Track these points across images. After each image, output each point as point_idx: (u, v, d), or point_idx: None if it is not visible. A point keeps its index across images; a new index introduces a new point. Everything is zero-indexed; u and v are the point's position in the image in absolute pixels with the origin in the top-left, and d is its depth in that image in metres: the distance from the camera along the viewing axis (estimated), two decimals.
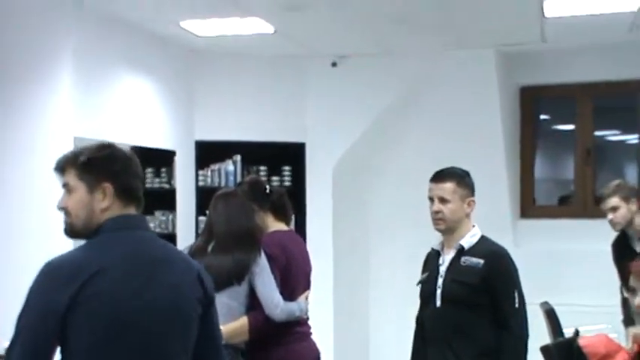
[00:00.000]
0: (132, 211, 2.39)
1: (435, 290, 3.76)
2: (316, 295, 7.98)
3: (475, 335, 3.69)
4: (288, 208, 4.57)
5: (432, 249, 3.89)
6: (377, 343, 8.39)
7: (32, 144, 5.64)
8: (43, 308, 2.17)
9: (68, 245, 2.65)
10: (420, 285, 3.89)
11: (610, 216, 5.03)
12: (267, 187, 4.54)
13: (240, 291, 4.02)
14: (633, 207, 5.00)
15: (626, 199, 4.98)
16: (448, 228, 3.78)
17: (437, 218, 3.77)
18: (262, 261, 4.05)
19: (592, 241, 7.04)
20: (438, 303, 3.75)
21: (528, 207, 8.31)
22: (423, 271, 3.90)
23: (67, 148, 5.61)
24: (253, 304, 4.07)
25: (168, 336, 2.30)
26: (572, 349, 4.78)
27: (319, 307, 7.96)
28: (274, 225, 4.45)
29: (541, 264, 7.43)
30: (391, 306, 8.21)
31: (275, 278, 4.12)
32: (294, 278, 4.36)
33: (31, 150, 5.63)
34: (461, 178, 3.79)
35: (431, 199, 3.80)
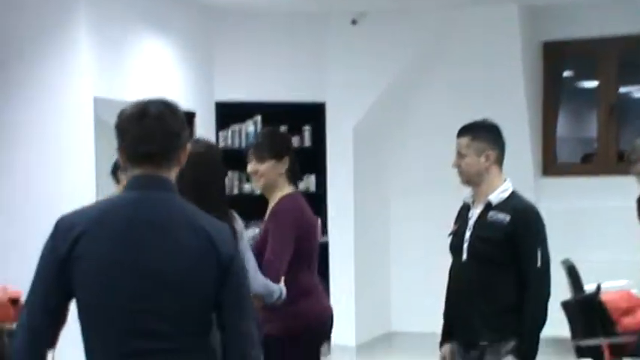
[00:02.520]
0: (141, 171, 2.40)
1: (463, 244, 3.75)
2: (337, 257, 8.05)
3: (498, 292, 3.67)
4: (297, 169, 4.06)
5: (464, 201, 3.87)
6: (398, 305, 8.42)
7: (53, 105, 5.66)
8: (47, 260, 2.35)
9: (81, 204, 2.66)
10: (450, 237, 3.88)
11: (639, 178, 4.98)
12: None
13: None
14: None
15: None
16: (469, 182, 3.78)
17: (458, 172, 3.78)
18: (242, 233, 3.53)
19: (614, 198, 7.01)
20: (464, 257, 3.74)
21: (550, 165, 8.25)
22: (455, 223, 3.88)
23: (88, 108, 5.70)
24: None
25: (159, 302, 2.30)
26: (594, 305, 4.79)
27: (341, 269, 8.03)
28: (288, 187, 3.98)
29: (563, 222, 7.39)
30: (413, 266, 8.22)
31: (288, 249, 3.80)
32: (313, 248, 4.02)
33: (53, 111, 5.65)
34: (478, 131, 3.73)
35: None
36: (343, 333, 7.96)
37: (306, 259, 3.96)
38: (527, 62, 7.81)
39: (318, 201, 8.00)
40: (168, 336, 2.32)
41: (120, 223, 2.34)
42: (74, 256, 2.29)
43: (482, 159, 3.71)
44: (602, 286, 4.94)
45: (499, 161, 3.76)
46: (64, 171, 5.67)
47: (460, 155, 3.74)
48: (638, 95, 9.92)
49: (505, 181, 3.76)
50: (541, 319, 3.66)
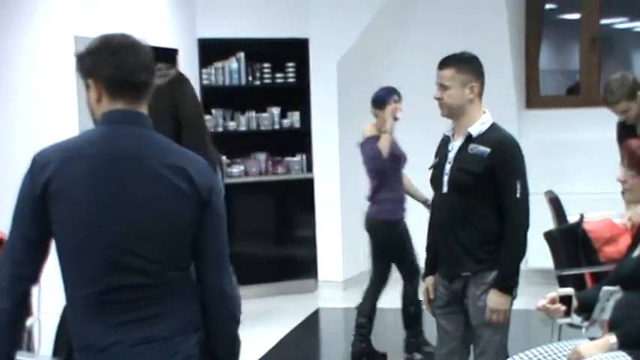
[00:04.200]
0: (120, 105, 2.34)
1: (443, 176, 3.78)
2: (323, 194, 8.08)
3: (479, 224, 3.72)
4: None
5: (444, 134, 3.89)
6: None
7: (33, 44, 5.59)
8: (25, 195, 2.33)
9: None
10: (431, 170, 3.91)
11: (623, 117, 5.04)
12: None
13: None
14: None
15: (631, 97, 4.95)
16: (451, 114, 3.78)
17: (439, 105, 3.78)
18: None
19: (597, 129, 7.02)
20: (445, 189, 3.78)
21: (534, 97, 8.26)
22: (435, 156, 3.91)
23: (68, 47, 5.63)
24: None
25: (140, 238, 2.30)
26: (577, 234, 4.85)
27: (326, 205, 8.06)
28: None
29: (546, 154, 7.44)
30: None
31: None
32: None
33: (33, 51, 5.59)
34: (462, 63, 3.73)
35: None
36: (330, 269, 8.05)
37: None
38: None
39: (302, 137, 8.01)
40: (148, 272, 2.31)
41: (98, 158, 2.30)
42: (49, 194, 2.27)
43: (467, 91, 3.72)
44: (586, 216, 4.99)
45: (481, 94, 3.77)
46: (44, 111, 5.63)
47: (443, 87, 3.73)
48: (620, 27, 9.88)
49: (484, 113, 3.78)
50: (520, 249, 3.73)
